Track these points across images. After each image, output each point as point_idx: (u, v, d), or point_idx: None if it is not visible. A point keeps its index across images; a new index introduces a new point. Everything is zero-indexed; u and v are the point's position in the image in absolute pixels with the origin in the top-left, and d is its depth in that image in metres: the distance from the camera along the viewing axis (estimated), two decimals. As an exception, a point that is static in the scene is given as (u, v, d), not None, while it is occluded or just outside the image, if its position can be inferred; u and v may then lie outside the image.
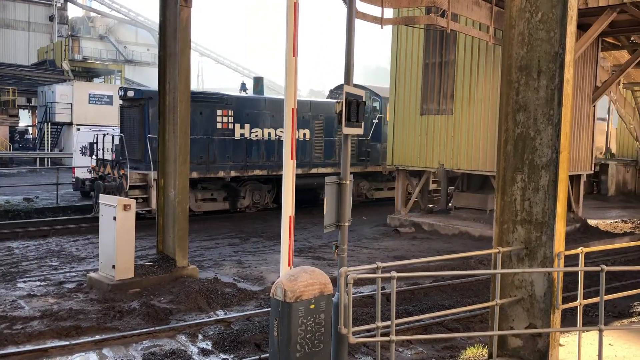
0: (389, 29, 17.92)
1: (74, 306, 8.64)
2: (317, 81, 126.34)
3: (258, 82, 21.11)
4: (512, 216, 6.12)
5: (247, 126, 18.20)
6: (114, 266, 9.32)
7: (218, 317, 8.52)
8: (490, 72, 15.07)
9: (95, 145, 17.75)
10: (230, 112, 17.90)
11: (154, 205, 15.03)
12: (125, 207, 9.30)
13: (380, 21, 11.99)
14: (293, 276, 4.61)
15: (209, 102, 17.64)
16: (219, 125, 17.66)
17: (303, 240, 15.10)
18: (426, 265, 11.85)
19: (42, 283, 10.32)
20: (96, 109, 35.52)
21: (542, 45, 5.88)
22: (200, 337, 7.86)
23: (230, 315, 8.60)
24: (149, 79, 60.28)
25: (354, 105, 4.98)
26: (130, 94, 16.88)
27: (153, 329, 7.88)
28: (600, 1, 13.13)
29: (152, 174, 15.24)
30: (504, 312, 6.14)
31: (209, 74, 76.87)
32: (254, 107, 18.58)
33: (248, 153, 18.01)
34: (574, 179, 17.16)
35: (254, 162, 18.20)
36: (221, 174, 17.36)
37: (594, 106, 17.13)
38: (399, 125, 17.01)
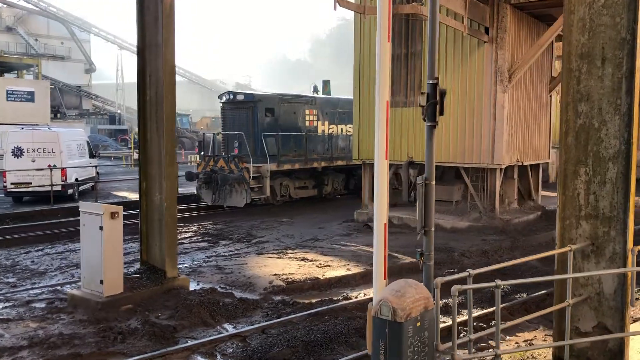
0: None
1: (63, 330, 7.62)
2: (237, 74, 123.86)
3: (326, 84, 24.84)
4: (575, 211, 5.83)
5: (326, 123, 21.48)
6: (101, 281, 8.33)
7: (230, 332, 7.78)
8: (459, 64, 14.97)
9: (202, 143, 20.92)
10: (315, 111, 21.16)
11: (268, 192, 18.56)
12: (113, 215, 8.34)
13: (363, 10, 11.52)
14: (399, 292, 4.05)
15: (300, 103, 20.78)
16: (307, 123, 20.77)
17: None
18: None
19: (6, 304, 9.12)
20: (15, 107, 32.87)
21: (607, 32, 5.59)
22: (218, 356, 7.11)
23: (242, 329, 7.87)
24: (70, 74, 56.94)
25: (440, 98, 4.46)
26: (240, 97, 19.53)
27: (165, 350, 7.05)
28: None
29: (267, 166, 18.28)
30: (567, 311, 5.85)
31: (129, 67, 73.66)
32: (331, 107, 21.99)
33: (329, 146, 20.92)
34: (532, 168, 17.46)
35: (335, 155, 21.08)
36: (315, 165, 20.35)
37: (551, 96, 17.49)
38: (365, 118, 16.64)
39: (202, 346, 7.30)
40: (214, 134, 19.98)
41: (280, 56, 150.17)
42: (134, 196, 21.44)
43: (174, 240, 9.41)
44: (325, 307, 8.71)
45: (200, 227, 16.30)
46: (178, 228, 15.85)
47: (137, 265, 10.35)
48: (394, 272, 11.65)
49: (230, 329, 8.06)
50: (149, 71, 9.28)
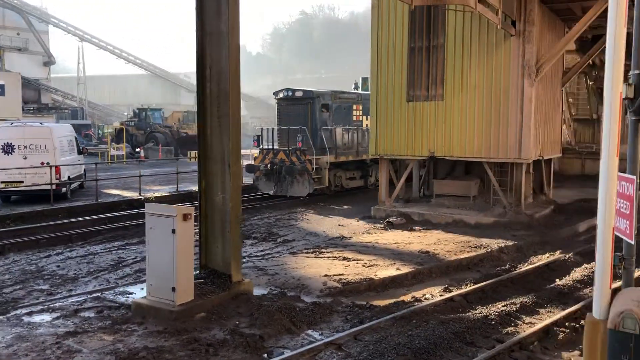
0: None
1: (145, 343, 7.00)
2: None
3: (365, 81, 25.39)
4: None
5: (368, 118, 21.47)
6: (173, 289, 7.74)
7: (324, 340, 7.31)
8: (484, 58, 14.81)
9: (260, 137, 21.03)
10: (360, 107, 22.48)
11: (327, 182, 20.10)
12: (186, 217, 7.75)
13: (410, 1, 11.18)
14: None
15: (349, 99, 22.27)
16: (354, 118, 22.26)
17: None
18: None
19: (55, 314, 8.40)
20: (-18, 100, 31.17)
21: None
22: (328, 368, 6.67)
23: (334, 337, 7.41)
24: (27, 66, 54.49)
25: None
26: (299, 94, 20.44)
27: (269, 363, 6.56)
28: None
29: (327, 158, 19.80)
30: None
31: (91, 60, 71.21)
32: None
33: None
34: (544, 163, 17.51)
35: None
36: (364, 157, 21.40)
37: (562, 90, 17.58)
38: (382, 112, 16.32)
39: (301, 356, 6.83)
40: (272, 128, 20.68)
41: (240, 49, 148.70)
42: (127, 194, 20.59)
43: (239, 242, 8.87)
44: (406, 310, 8.34)
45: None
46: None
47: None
48: (442, 271, 11.43)
49: (317, 336, 7.61)
50: (209, 63, 8.68)
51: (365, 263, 11.43)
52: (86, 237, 13.98)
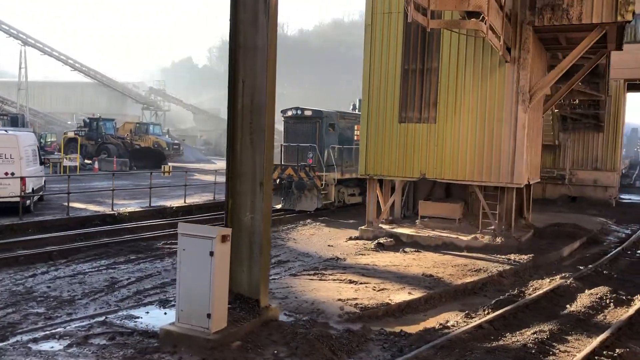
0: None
1: (188, 376, 6.47)
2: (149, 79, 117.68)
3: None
4: None
5: None
6: (209, 315, 7.23)
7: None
8: (478, 83, 14.98)
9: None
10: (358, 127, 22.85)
11: (332, 198, 21.26)
12: (224, 239, 7.29)
13: (427, 23, 11.15)
14: None
15: (351, 119, 23.64)
16: (355, 137, 22.80)
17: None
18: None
19: (64, 342, 7.69)
20: None
21: None
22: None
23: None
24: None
25: None
26: (308, 113, 21.62)
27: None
28: (593, 18, 13.68)
29: (334, 175, 21.17)
30: None
31: (34, 65, 68.22)
32: None
33: None
34: (525, 187, 17.82)
35: None
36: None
37: (542, 116, 18.04)
38: (373, 132, 16.22)
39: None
40: (282, 144, 21.64)
41: (186, 60, 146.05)
42: (95, 208, 19.60)
43: (268, 266, 8.43)
44: (444, 339, 8.11)
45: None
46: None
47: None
48: (451, 295, 11.32)
49: (364, 366, 7.28)
50: (242, 76, 8.29)
51: (374, 287, 11.16)
52: (66, 254, 13.10)
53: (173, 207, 19.63)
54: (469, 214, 17.34)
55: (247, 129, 8.27)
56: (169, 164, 41.72)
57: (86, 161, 38.13)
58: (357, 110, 26.34)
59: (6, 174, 17.16)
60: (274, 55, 8.17)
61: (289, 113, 22.04)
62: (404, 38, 15.69)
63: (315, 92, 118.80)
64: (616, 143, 27.57)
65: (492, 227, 15.44)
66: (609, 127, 27.41)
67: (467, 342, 8.11)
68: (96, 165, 34.54)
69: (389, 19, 15.92)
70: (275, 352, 7.32)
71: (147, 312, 9.30)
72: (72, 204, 20.11)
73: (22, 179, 17.30)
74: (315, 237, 16.89)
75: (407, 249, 14.97)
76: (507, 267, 13.27)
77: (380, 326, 9.08)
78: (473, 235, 15.43)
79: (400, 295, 10.69)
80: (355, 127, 23.09)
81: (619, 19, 13.45)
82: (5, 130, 18.71)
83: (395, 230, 16.23)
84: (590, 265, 13.98)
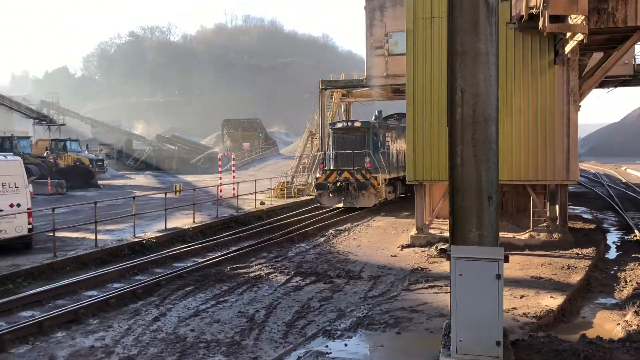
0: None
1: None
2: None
3: (381, 113, 30.68)
4: None
5: (394, 143, 28.12)
6: (498, 343, 6.72)
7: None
8: (528, 84, 15.36)
9: (324, 160, 25.78)
10: (388, 135, 27.31)
11: (383, 195, 24.80)
12: (506, 259, 6.81)
13: (544, 28, 11.22)
14: None
15: (385, 128, 27.15)
16: (387, 143, 26.72)
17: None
18: None
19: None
20: None
21: None
22: None
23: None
24: None
25: None
26: (357, 124, 25.00)
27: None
28: (638, 21, 14.54)
29: (385, 175, 25.07)
30: None
31: None
32: (392, 130, 28.28)
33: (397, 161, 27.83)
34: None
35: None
36: (401, 174, 26.28)
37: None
38: (420, 137, 16.07)
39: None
40: (333, 152, 25.01)
41: (61, 70, 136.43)
42: (91, 236, 17.55)
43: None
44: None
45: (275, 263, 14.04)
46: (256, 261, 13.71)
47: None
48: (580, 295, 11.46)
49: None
50: (461, 85, 7.82)
51: (512, 293, 11.05)
52: (150, 290, 11.61)
53: (190, 228, 18.17)
54: (504, 212, 17.73)
55: (468, 141, 7.80)
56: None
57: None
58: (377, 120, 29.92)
59: (11, 205, 14.96)
60: (497, 63, 7.77)
61: (339, 125, 25.50)
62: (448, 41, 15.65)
63: (209, 99, 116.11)
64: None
65: (544, 224, 15.89)
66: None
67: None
68: (31, 189, 31.05)
69: (431, 24, 15.86)
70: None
71: (327, 346, 8.58)
72: (61, 234, 17.93)
73: (29, 211, 15.19)
74: (378, 234, 16.44)
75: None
76: (586, 261, 13.71)
77: (567, 333, 8.99)
78: (528, 234, 15.79)
79: (545, 300, 10.67)
80: (387, 135, 26.86)
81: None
82: (5, 156, 16.22)
83: (447, 234, 16.16)
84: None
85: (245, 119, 71.84)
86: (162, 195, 21.14)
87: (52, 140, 44.09)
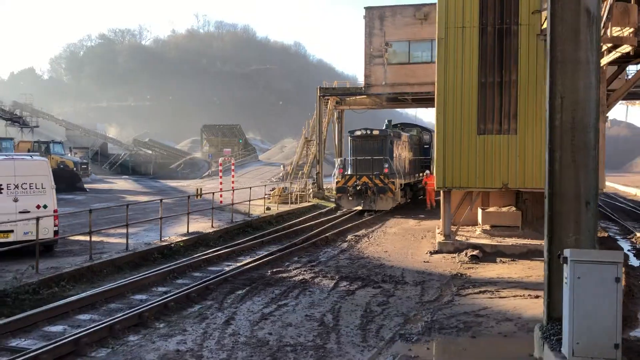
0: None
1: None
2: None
3: (390, 122, 30.96)
4: None
5: (404, 151, 29.81)
6: (616, 345, 6.82)
7: None
8: (558, 94, 15.70)
9: (340, 166, 27.38)
10: (400, 142, 28.70)
11: (399, 198, 26.69)
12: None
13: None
14: None
15: (398, 136, 28.36)
16: (399, 150, 28.39)
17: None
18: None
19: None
20: None
21: None
22: None
23: None
24: None
25: None
26: (376, 132, 26.52)
27: None
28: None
29: (402, 180, 27.11)
30: None
31: None
32: (403, 138, 29.76)
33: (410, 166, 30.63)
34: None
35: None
36: (412, 179, 30.81)
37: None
38: (450, 145, 16.25)
39: None
40: (353, 158, 26.50)
41: (27, 72, 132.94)
42: (112, 240, 17.17)
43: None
44: None
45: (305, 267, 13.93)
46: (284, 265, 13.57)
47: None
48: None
49: None
50: (561, 92, 7.97)
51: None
52: (203, 294, 11.40)
53: (210, 233, 17.91)
54: (524, 220, 18.03)
55: (567, 147, 7.95)
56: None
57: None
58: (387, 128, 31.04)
59: (38, 207, 14.49)
60: (597, 71, 7.94)
61: (357, 133, 26.62)
62: (479, 52, 15.95)
63: (181, 104, 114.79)
64: None
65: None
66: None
67: None
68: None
69: (463, 33, 16.10)
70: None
71: (410, 350, 8.58)
72: (76, 237, 17.42)
73: (55, 212, 14.75)
74: (398, 240, 16.49)
75: (504, 259, 15.24)
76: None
77: None
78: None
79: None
80: (399, 143, 28.20)
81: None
82: (31, 156, 15.68)
83: (474, 241, 16.40)
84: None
85: (225, 125, 71.25)
86: (164, 200, 20.63)
87: (35, 142, 42.86)
